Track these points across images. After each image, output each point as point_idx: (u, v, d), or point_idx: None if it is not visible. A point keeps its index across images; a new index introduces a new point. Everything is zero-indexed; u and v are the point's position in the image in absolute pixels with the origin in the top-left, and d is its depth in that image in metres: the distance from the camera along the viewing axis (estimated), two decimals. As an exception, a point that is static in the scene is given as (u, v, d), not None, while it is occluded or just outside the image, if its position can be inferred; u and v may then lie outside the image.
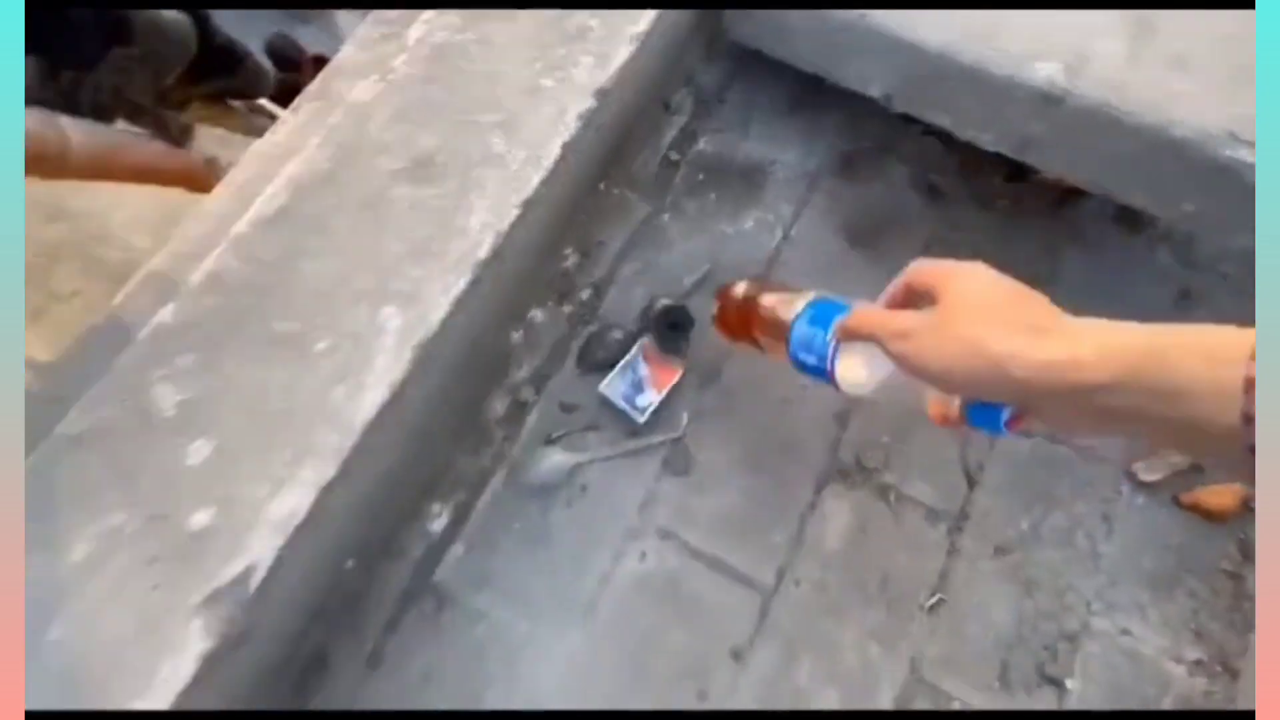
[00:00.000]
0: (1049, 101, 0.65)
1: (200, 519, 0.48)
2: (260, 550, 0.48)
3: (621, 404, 0.70)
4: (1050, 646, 0.70)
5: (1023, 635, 0.70)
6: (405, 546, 0.66)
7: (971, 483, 0.75)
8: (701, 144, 0.84)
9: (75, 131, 1.17)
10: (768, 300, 0.59)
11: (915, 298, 0.44)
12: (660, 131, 0.83)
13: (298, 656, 0.60)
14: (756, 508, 0.72)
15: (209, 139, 1.82)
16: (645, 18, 0.67)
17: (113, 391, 0.51)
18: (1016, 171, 0.84)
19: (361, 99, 0.61)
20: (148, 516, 0.48)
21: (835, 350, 0.51)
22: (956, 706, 0.68)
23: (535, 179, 0.60)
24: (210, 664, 0.46)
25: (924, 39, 0.68)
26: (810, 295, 0.56)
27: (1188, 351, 0.32)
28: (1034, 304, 0.39)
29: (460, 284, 0.56)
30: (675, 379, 0.72)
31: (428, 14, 0.65)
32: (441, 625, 0.64)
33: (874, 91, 0.75)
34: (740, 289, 0.63)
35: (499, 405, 0.71)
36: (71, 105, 1.43)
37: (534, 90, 0.63)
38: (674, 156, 0.83)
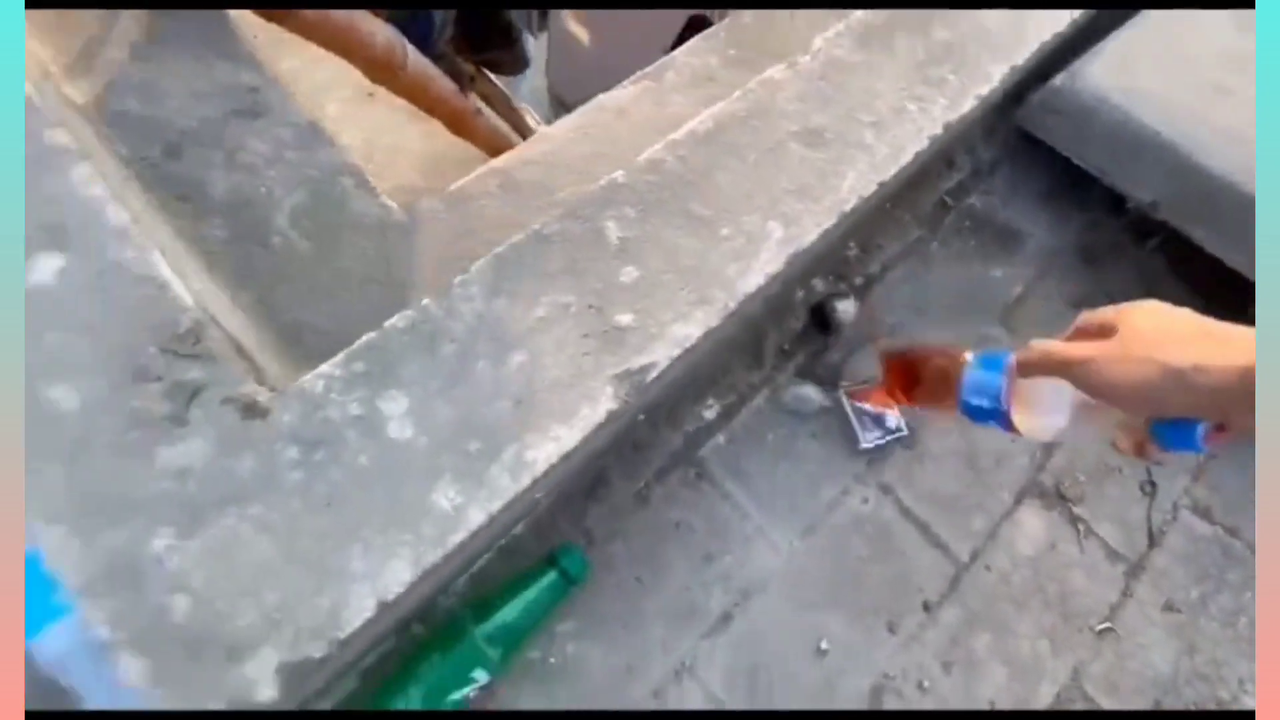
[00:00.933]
0: (1312, 238, 0.77)
1: (624, 319, 0.63)
2: (660, 355, 0.62)
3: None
4: (1201, 705, 0.76)
5: (1177, 685, 0.77)
6: (682, 421, 0.79)
7: (1153, 541, 0.83)
8: (972, 199, 1.00)
9: (413, 55, 1.44)
10: (934, 354, 0.60)
11: (1086, 339, 0.46)
12: (941, 180, 0.99)
13: (593, 470, 0.73)
14: (965, 494, 0.82)
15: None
16: (989, 85, 0.84)
17: (576, 215, 0.67)
18: (1238, 307, 0.96)
19: (774, 77, 0.80)
20: (588, 305, 0.63)
21: (1010, 390, 0.50)
22: (1106, 726, 0.74)
23: (892, 170, 0.76)
24: (606, 422, 0.60)
25: (1210, 163, 0.83)
26: (973, 350, 0.56)
27: None
28: (1208, 321, 0.42)
29: (828, 222, 0.71)
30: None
31: (831, 31, 0.84)
32: (699, 491, 0.77)
33: (1144, 195, 0.90)
34: (904, 346, 0.65)
35: (775, 339, 0.85)
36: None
37: (900, 110, 0.80)
38: (949, 201, 0.99)
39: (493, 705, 0.63)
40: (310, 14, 1.17)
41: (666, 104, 1.13)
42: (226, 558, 0.50)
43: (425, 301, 0.61)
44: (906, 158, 0.77)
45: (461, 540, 0.53)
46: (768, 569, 0.75)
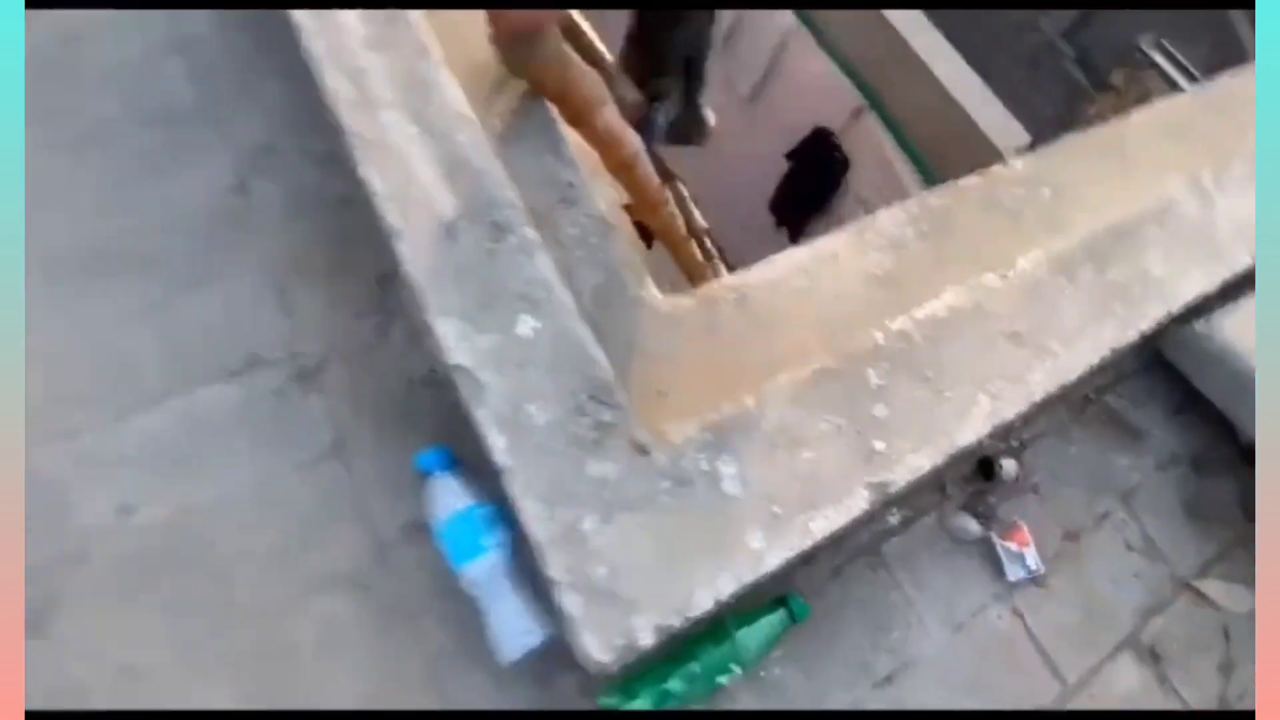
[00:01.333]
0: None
1: (878, 444, 0.89)
2: (900, 475, 0.87)
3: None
4: None
5: (1232, 834, 0.95)
6: (873, 523, 1.04)
7: (1224, 709, 1.02)
8: (1110, 399, 1.24)
9: (643, 156, 1.77)
10: None
11: None
12: (1090, 379, 1.24)
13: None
14: (1078, 633, 1.03)
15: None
16: (1147, 322, 1.10)
17: (849, 360, 0.94)
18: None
19: (988, 284, 1.07)
20: (855, 429, 0.89)
21: None
22: None
23: (1072, 375, 1.01)
24: (858, 520, 0.85)
25: (1316, 422, 1.06)
26: None
27: None
28: None
29: (1022, 407, 0.97)
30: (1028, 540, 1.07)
31: (1033, 254, 1.12)
32: (877, 577, 1.00)
33: (1251, 431, 1.13)
34: None
35: (949, 475, 1.10)
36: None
37: (1080, 329, 1.06)
38: (1092, 396, 1.23)
39: (724, 697, 0.87)
40: (603, 129, 1.51)
41: (866, 258, 1.42)
42: (627, 545, 0.76)
43: (747, 400, 0.89)
44: (1082, 367, 1.03)
45: (765, 573, 0.78)
46: (922, 650, 0.97)
